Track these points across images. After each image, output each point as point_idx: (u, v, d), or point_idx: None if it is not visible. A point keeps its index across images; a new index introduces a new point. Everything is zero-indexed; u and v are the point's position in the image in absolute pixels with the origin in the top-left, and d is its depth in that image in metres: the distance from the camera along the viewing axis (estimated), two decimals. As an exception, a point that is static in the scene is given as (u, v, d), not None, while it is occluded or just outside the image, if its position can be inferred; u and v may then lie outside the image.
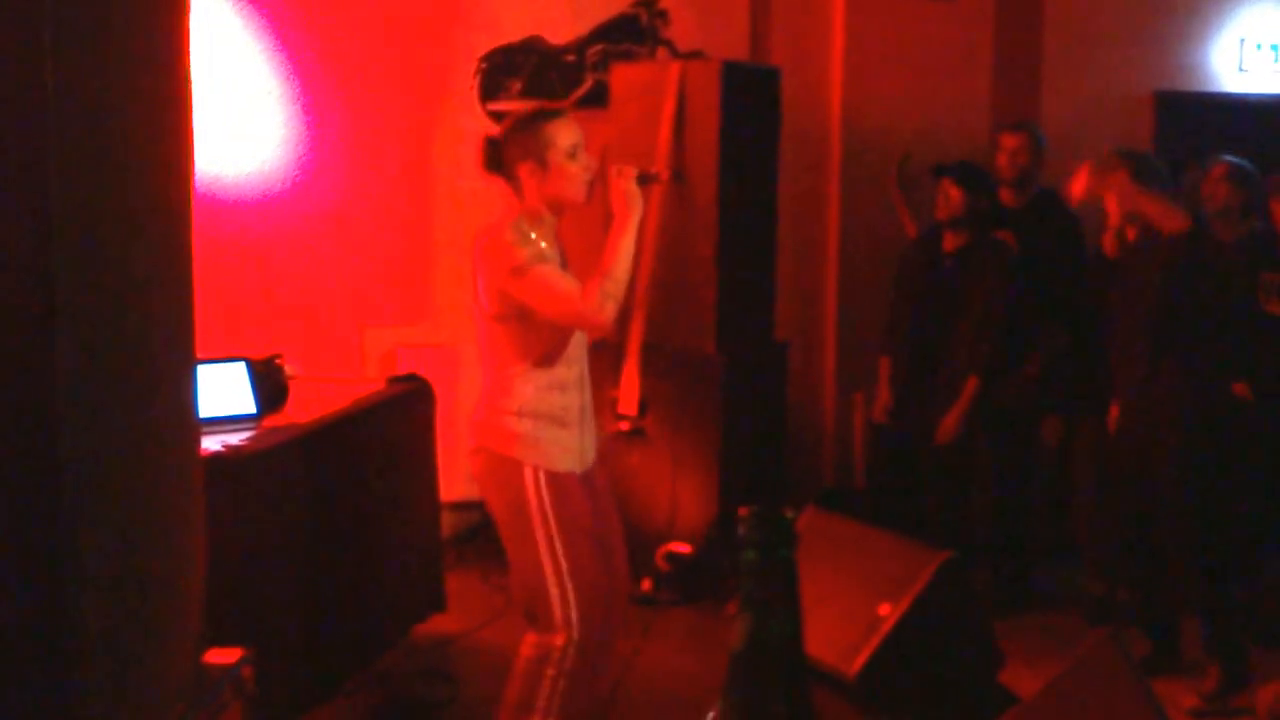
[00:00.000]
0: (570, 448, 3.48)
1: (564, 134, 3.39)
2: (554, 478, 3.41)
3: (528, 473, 3.39)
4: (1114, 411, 4.78)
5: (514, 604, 3.66)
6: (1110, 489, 4.80)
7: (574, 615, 3.39)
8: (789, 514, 1.18)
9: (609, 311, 3.33)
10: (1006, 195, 5.56)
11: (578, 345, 3.50)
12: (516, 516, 3.42)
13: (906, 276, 5.56)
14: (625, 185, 3.39)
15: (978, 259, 5.31)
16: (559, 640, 3.39)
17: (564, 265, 3.47)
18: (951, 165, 5.40)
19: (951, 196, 5.29)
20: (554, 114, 3.45)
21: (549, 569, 3.39)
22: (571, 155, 3.39)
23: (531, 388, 3.41)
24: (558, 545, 3.38)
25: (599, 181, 3.47)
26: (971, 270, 5.31)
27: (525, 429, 3.40)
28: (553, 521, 3.39)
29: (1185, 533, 4.48)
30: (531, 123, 3.41)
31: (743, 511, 1.18)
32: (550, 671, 3.40)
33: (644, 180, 3.46)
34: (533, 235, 3.38)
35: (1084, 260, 5.40)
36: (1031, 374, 5.38)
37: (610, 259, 3.35)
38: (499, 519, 3.50)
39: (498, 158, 3.46)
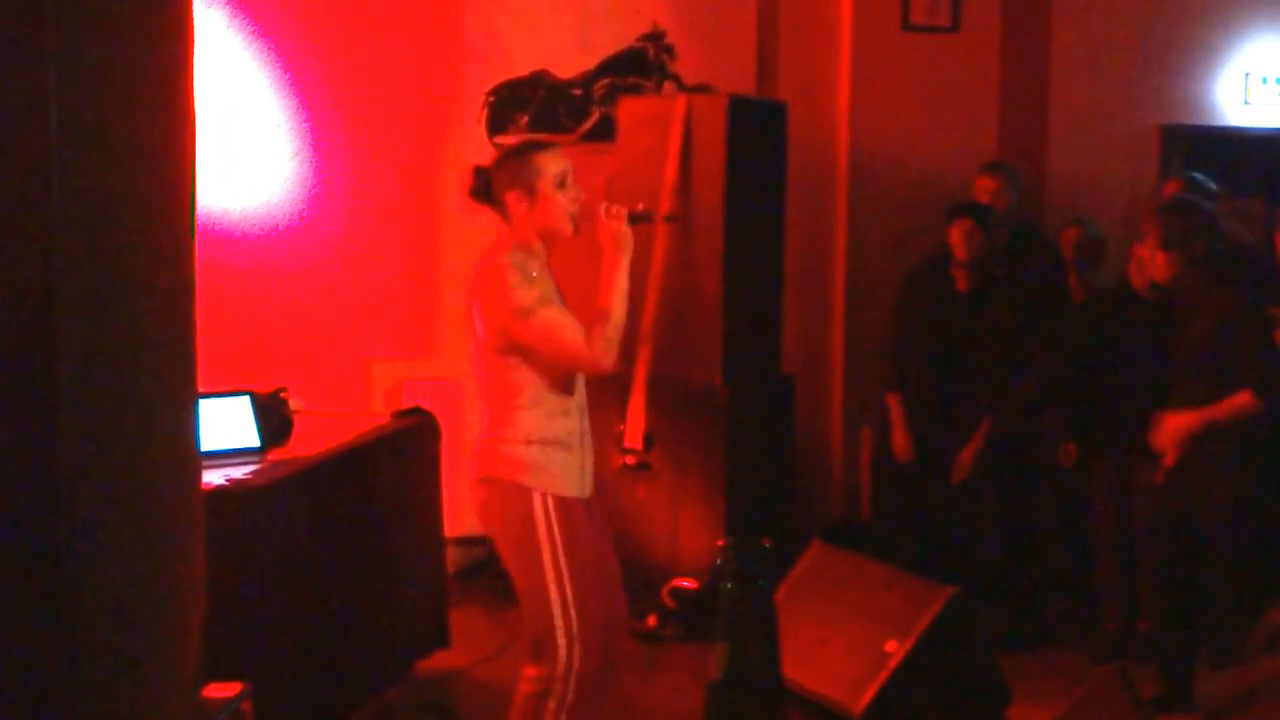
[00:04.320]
0: (575, 472, 3.48)
1: (552, 163, 3.42)
2: (562, 503, 3.41)
3: (536, 499, 3.39)
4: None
5: (520, 637, 3.63)
6: (1159, 527, 4.73)
7: (576, 646, 3.38)
8: (767, 544, 1.18)
9: (612, 356, 3.37)
10: None
11: (577, 371, 3.51)
12: (524, 545, 3.40)
13: (915, 315, 5.55)
14: (615, 225, 3.41)
15: (994, 298, 5.34)
16: (560, 669, 3.38)
17: (559, 298, 3.47)
18: (967, 205, 5.42)
19: (976, 238, 5.30)
20: (543, 145, 3.50)
21: (554, 597, 3.38)
22: (559, 185, 3.40)
23: (537, 414, 3.41)
24: (564, 573, 3.38)
25: (587, 218, 3.47)
26: (988, 310, 5.33)
27: (532, 455, 3.40)
28: (560, 548, 3.38)
29: (1232, 570, 4.47)
30: (521, 152, 3.46)
31: (720, 542, 1.18)
32: (551, 705, 3.38)
33: (635, 219, 3.47)
34: (533, 273, 3.39)
35: (1065, 291, 5.56)
36: (1020, 401, 5.40)
37: (607, 301, 3.37)
38: (506, 549, 3.48)
39: (484, 187, 3.47)
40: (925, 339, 5.47)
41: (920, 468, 5.47)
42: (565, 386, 3.45)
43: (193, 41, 2.07)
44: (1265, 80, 6.60)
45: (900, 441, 5.48)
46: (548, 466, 3.41)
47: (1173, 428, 4.38)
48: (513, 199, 3.40)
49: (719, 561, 1.04)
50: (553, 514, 3.38)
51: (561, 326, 3.33)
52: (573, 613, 3.38)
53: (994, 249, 5.42)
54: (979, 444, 5.28)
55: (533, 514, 3.38)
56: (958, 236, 5.33)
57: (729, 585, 1.01)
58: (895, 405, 5.53)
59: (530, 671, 3.43)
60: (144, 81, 1.88)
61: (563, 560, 3.38)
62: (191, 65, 2.07)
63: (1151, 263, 4.57)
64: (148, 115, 1.89)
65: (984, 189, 5.56)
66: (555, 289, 3.48)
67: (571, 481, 3.46)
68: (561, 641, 3.38)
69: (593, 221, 3.45)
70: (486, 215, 3.72)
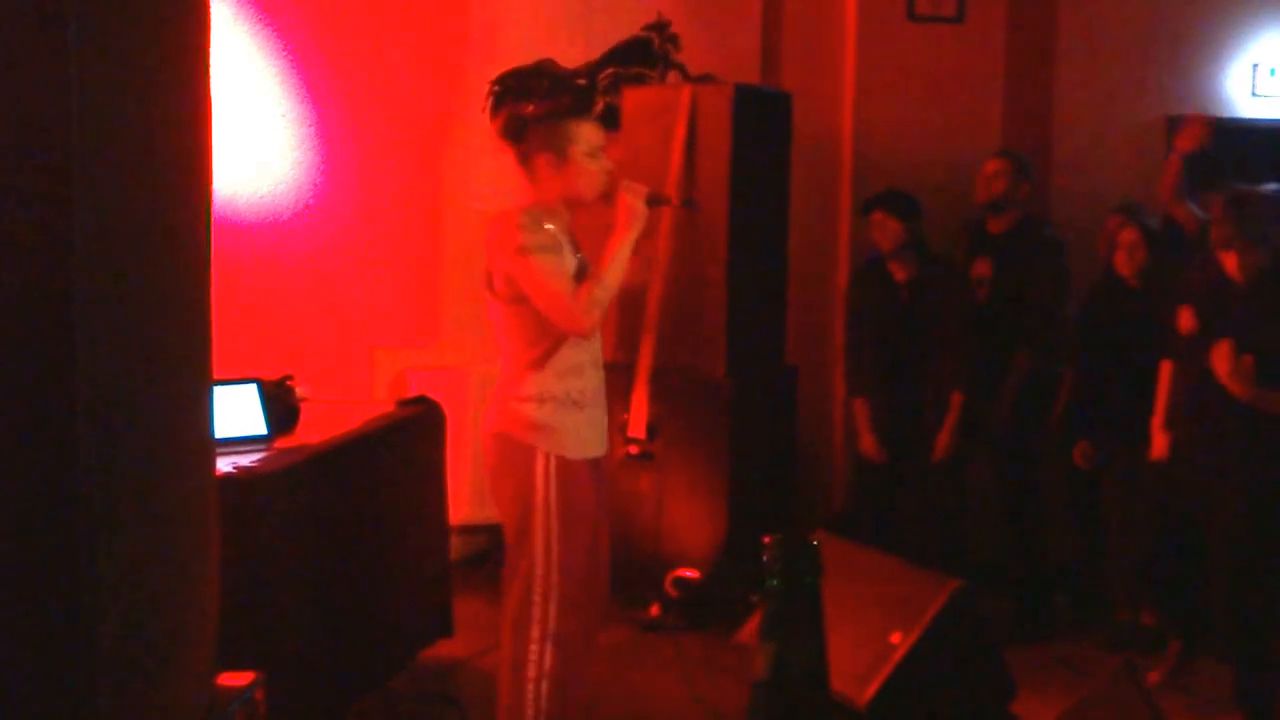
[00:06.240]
0: (587, 431, 3.51)
1: (588, 133, 3.46)
2: (565, 466, 3.43)
3: (539, 460, 3.42)
4: (1160, 439, 4.74)
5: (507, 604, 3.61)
6: (1158, 516, 4.72)
7: (553, 609, 3.40)
8: (815, 541, 1.17)
9: (594, 317, 3.38)
10: (990, 222, 5.56)
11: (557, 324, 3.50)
12: (520, 503, 3.44)
13: (864, 314, 5.55)
14: (633, 201, 3.46)
15: (933, 283, 5.36)
16: (535, 631, 3.39)
17: (578, 258, 3.48)
18: (879, 196, 5.42)
19: (889, 228, 5.30)
20: (581, 112, 3.51)
21: (540, 559, 3.41)
22: (592, 155, 3.45)
23: (548, 373, 3.44)
24: (554, 538, 3.41)
25: (611, 192, 3.51)
26: (930, 295, 5.34)
27: (544, 415, 3.42)
28: (555, 513, 3.41)
29: (1241, 574, 4.39)
30: (558, 116, 3.46)
31: (767, 539, 1.17)
32: (531, 674, 3.40)
33: (653, 201, 3.52)
34: (547, 225, 3.41)
35: (1066, 284, 5.46)
36: (1007, 399, 5.38)
37: (605, 267, 3.41)
38: (501, 503, 3.52)
39: (519, 130, 3.49)
40: (876, 334, 5.47)
41: (897, 464, 5.46)
42: (576, 342, 3.46)
43: (209, 33, 2.06)
44: (1274, 72, 6.59)
45: (868, 444, 5.49)
46: (556, 426, 3.43)
47: (1241, 363, 4.25)
48: (543, 162, 3.45)
49: (765, 559, 1.03)
50: (553, 476, 3.41)
51: (553, 274, 3.35)
52: (554, 578, 3.40)
53: (921, 234, 5.38)
54: (954, 422, 5.26)
55: (534, 474, 3.41)
56: (873, 230, 5.36)
57: (775, 583, 1.01)
58: (860, 409, 5.53)
59: (507, 634, 3.45)
60: (163, 71, 1.87)
61: (555, 524, 3.41)
62: (208, 56, 2.06)
63: (1226, 257, 4.43)
64: (166, 101, 1.89)
65: (987, 175, 5.53)
66: (574, 250, 3.49)
67: (582, 442, 3.49)
68: (537, 601, 3.40)
69: (612, 194, 3.49)
70: (490, 203, 3.71)
